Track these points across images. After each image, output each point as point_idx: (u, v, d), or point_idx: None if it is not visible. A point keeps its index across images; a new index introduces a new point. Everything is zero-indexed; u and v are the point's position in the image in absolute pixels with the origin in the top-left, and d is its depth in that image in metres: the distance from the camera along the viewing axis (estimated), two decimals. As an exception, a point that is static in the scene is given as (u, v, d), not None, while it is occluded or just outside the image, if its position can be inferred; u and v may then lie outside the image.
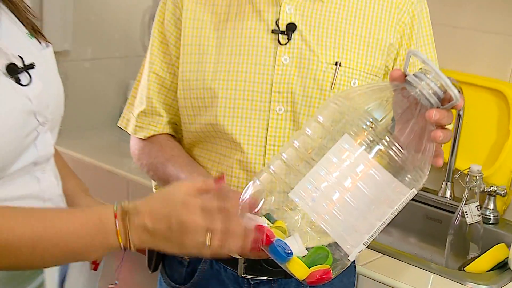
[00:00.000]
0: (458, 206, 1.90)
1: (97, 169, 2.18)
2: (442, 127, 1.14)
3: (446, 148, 1.60)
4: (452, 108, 1.13)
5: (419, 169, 1.16)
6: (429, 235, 2.05)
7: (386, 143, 1.12)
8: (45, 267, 1.26)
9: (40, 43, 1.30)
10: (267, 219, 1.17)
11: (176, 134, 1.60)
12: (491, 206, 1.96)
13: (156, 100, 1.56)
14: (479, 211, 1.88)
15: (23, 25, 1.29)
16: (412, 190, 1.15)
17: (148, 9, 2.58)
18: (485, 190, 1.94)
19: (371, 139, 1.13)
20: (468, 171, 1.90)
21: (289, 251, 1.13)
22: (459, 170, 1.96)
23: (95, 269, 1.41)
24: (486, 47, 2.09)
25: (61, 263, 1.28)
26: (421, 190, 1.31)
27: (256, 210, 1.18)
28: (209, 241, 1.13)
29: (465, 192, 1.89)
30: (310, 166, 1.16)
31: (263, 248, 1.15)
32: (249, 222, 1.15)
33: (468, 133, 2.03)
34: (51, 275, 1.27)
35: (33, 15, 1.33)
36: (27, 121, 1.20)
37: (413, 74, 1.13)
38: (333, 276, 1.15)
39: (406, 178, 1.15)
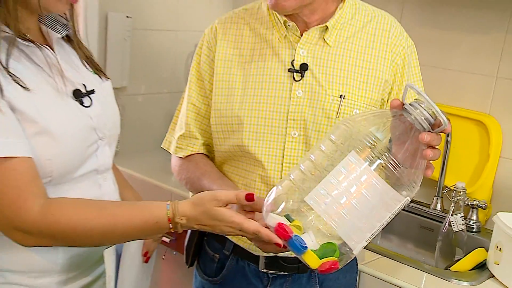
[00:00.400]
0: (446, 217, 1.91)
1: (146, 183, 2.20)
2: (432, 147, 1.17)
3: (436, 168, 1.58)
4: (441, 132, 1.16)
5: (412, 181, 1.19)
6: (422, 241, 2.03)
7: (385, 159, 1.16)
8: (112, 245, 1.29)
9: (101, 78, 1.35)
10: (287, 218, 1.19)
11: (209, 153, 1.60)
12: (474, 217, 1.97)
13: (193, 126, 1.57)
14: (463, 221, 1.90)
15: (88, 64, 1.34)
16: (406, 198, 1.18)
17: (191, 54, 2.44)
18: (469, 203, 1.95)
19: (374, 155, 1.16)
20: (454, 187, 1.93)
21: (304, 245, 1.15)
22: (447, 187, 1.97)
23: (146, 261, 1.40)
24: (470, 86, 2.09)
25: (123, 242, 1.31)
26: (415, 203, 1.35)
27: (278, 211, 1.20)
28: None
29: (452, 205, 1.90)
30: (323, 175, 1.18)
31: (284, 243, 1.18)
32: (271, 220, 1.17)
33: (455, 156, 2.03)
34: (109, 265, 1.28)
35: (93, 57, 1.38)
36: (89, 135, 1.25)
37: (409, 103, 1.16)
38: (340, 267, 1.17)
39: (402, 188, 1.18)
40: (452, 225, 1.90)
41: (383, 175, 1.18)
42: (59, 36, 1.27)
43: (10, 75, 1.11)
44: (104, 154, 1.31)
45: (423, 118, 1.15)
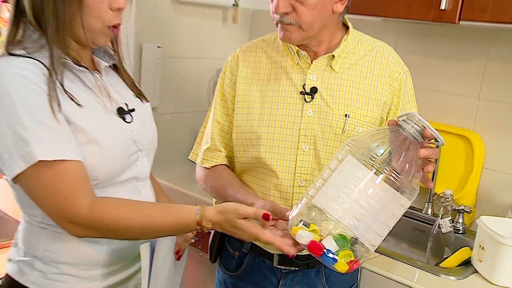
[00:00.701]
0: (436, 220, 1.92)
1: (174, 191, 2.20)
2: (429, 160, 1.21)
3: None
4: (437, 146, 1.20)
5: (412, 186, 1.20)
6: (415, 241, 2.03)
7: (387, 171, 1.18)
8: (148, 239, 1.29)
9: (141, 100, 1.37)
10: (304, 225, 1.22)
11: (230, 164, 1.60)
12: (460, 220, 1.98)
13: (218, 140, 1.57)
14: (451, 224, 1.90)
15: (130, 88, 1.37)
16: (409, 201, 1.20)
17: (212, 78, 2.57)
18: (456, 208, 1.95)
19: (377, 167, 1.18)
20: (443, 194, 1.94)
21: (335, 258, 1.18)
22: (437, 194, 1.98)
23: (178, 259, 1.40)
24: (456, 105, 2.09)
25: (158, 237, 1.31)
26: (409, 208, 1.36)
27: (301, 223, 1.22)
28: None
29: (441, 210, 1.92)
30: (336, 189, 1.21)
31: (316, 257, 1.19)
32: (301, 239, 1.19)
33: (443, 167, 2.03)
34: (145, 262, 1.28)
35: (134, 83, 1.40)
36: (130, 146, 1.27)
37: (402, 119, 1.20)
38: (361, 264, 1.20)
39: (404, 193, 1.20)
40: (441, 227, 1.90)
41: (387, 183, 1.19)
42: (107, 64, 1.30)
43: (66, 93, 1.15)
44: (143, 164, 1.32)
45: (414, 131, 1.18)
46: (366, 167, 1.19)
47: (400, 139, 1.21)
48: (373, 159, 1.20)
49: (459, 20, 1.71)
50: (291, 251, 1.21)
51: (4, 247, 3.65)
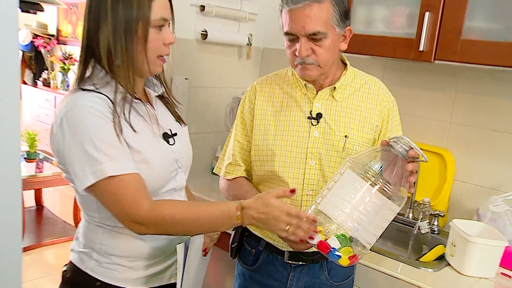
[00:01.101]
0: (416, 223, 1.93)
1: (196, 198, 1.96)
2: (413, 172, 1.24)
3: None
4: (421, 161, 1.24)
5: (401, 195, 1.24)
6: (398, 240, 2.02)
7: (380, 182, 1.21)
8: (196, 234, 1.29)
9: (180, 124, 1.38)
10: None
11: (248, 176, 1.59)
12: (435, 223, 1.97)
13: (238, 157, 1.57)
14: (428, 226, 1.92)
15: (172, 115, 1.38)
16: (399, 207, 1.24)
17: (229, 104, 2.58)
18: (432, 213, 1.96)
19: (372, 179, 1.21)
20: (422, 201, 1.96)
21: (339, 254, 1.20)
22: (417, 201, 1.98)
23: (205, 255, 1.40)
24: (431, 128, 2.10)
25: (205, 232, 1.32)
26: None
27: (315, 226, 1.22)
28: (286, 229, 1.19)
29: (420, 215, 1.93)
30: (339, 198, 1.24)
31: (324, 254, 1.21)
32: (311, 239, 1.21)
33: (422, 179, 2.04)
34: (180, 256, 1.29)
35: (176, 110, 1.40)
36: (172, 164, 1.28)
37: (393, 141, 1.24)
38: (359, 259, 1.23)
39: (394, 201, 1.23)
40: (420, 228, 1.91)
41: (381, 193, 1.22)
42: (156, 94, 1.31)
43: (126, 121, 1.18)
44: (181, 178, 1.33)
45: (403, 149, 1.22)
46: (363, 180, 1.22)
47: (391, 157, 1.23)
48: (369, 173, 1.23)
49: (434, 59, 1.73)
50: (301, 247, 1.28)
51: (54, 244, 3.71)
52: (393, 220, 2.21)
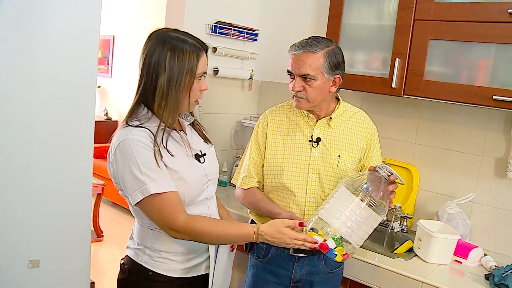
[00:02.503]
0: (390, 223, 1.99)
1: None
2: (392, 191, 1.31)
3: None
4: (399, 183, 1.31)
5: (383, 208, 1.30)
6: (376, 238, 2.03)
7: (369, 198, 1.27)
8: (220, 244, 1.33)
9: (208, 144, 1.41)
10: (313, 230, 1.29)
11: (260, 187, 1.62)
12: (405, 223, 2.02)
13: (252, 171, 1.60)
14: (399, 226, 1.99)
15: (201, 137, 1.40)
16: (382, 217, 1.31)
17: (234, 127, 2.61)
18: (402, 216, 2.02)
19: (362, 196, 1.27)
20: (394, 206, 2.00)
21: (336, 253, 1.26)
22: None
23: (231, 250, 1.42)
24: (400, 147, 2.15)
25: (227, 243, 1.34)
26: None
27: (314, 231, 1.28)
28: (292, 246, 1.27)
29: (393, 217, 1.99)
30: (336, 209, 1.28)
31: (324, 253, 1.27)
32: (315, 240, 1.27)
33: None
34: (212, 252, 1.33)
35: (204, 133, 1.41)
36: (203, 179, 1.32)
37: (378, 167, 1.30)
38: (350, 256, 1.28)
39: (379, 213, 1.28)
40: (393, 228, 1.97)
41: (368, 207, 1.28)
42: (188, 123, 1.34)
43: (165, 148, 1.22)
44: (211, 189, 1.37)
45: (386, 174, 1.29)
46: (355, 195, 1.28)
47: (376, 179, 1.29)
48: (359, 191, 1.28)
49: (403, 94, 1.82)
50: (311, 246, 1.31)
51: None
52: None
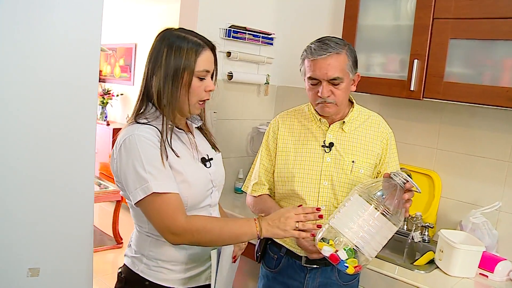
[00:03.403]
0: (410, 233, 1.95)
1: (227, 214, 1.98)
2: (408, 200, 1.27)
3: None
4: (415, 191, 1.26)
5: (398, 217, 1.27)
6: (395, 248, 2.01)
7: (382, 207, 1.24)
8: (222, 245, 1.27)
9: (215, 151, 1.40)
10: (324, 240, 1.26)
11: (271, 194, 1.61)
12: (426, 233, 1.97)
13: (263, 177, 1.59)
14: (420, 235, 1.96)
15: (209, 142, 1.40)
16: (397, 227, 1.27)
17: (249, 133, 2.60)
18: (423, 225, 1.98)
19: (376, 204, 1.24)
20: (415, 215, 1.98)
21: (347, 265, 1.23)
22: (410, 215, 1.98)
23: (234, 261, 1.40)
24: (421, 153, 2.12)
25: (231, 242, 1.26)
26: None
27: (325, 242, 1.25)
28: (297, 226, 1.20)
29: (413, 226, 1.96)
30: (348, 218, 1.26)
31: (334, 265, 1.24)
32: (325, 252, 1.25)
33: (414, 196, 1.66)
34: (214, 261, 1.30)
35: (213, 139, 1.40)
36: (208, 184, 1.30)
37: (394, 174, 1.26)
38: (362, 268, 1.25)
39: (393, 222, 1.26)
40: (413, 238, 1.94)
41: (382, 216, 1.25)
42: (195, 126, 1.34)
43: (171, 148, 1.21)
44: (215, 195, 1.35)
45: (401, 181, 1.25)
46: (369, 204, 1.25)
47: (391, 187, 1.26)
48: (373, 199, 1.25)
49: (423, 97, 1.78)
50: (315, 256, 1.37)
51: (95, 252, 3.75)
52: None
